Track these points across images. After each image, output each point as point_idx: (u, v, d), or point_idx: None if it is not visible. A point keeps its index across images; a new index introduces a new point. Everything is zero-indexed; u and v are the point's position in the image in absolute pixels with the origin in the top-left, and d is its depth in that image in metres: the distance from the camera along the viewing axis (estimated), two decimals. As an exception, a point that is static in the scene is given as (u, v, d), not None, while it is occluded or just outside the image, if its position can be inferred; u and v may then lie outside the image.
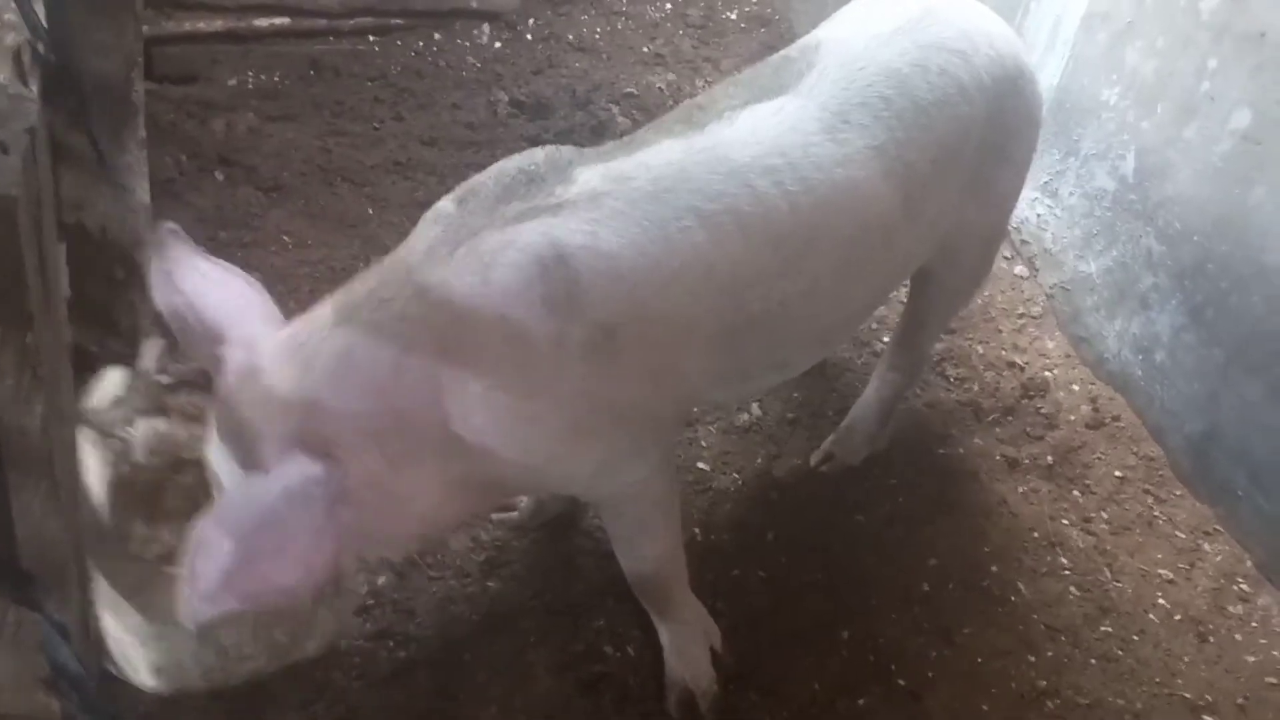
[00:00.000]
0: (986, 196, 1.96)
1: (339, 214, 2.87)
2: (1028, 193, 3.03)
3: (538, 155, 1.61)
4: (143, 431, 1.78)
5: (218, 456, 1.46)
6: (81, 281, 2.20)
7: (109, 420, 1.77)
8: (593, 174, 1.55)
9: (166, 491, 1.80)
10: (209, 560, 1.24)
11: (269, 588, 1.29)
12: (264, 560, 1.27)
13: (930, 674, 2.05)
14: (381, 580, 2.03)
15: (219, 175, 2.92)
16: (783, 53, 1.86)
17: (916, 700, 2.01)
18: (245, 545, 1.25)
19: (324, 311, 1.47)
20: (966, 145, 1.83)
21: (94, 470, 1.72)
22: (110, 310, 1.98)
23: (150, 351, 1.87)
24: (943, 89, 1.76)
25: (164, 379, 1.85)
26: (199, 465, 1.63)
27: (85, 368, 2.26)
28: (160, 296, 1.46)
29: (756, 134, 1.63)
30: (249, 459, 1.39)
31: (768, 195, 1.59)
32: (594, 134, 3.28)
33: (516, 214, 1.49)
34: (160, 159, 2.83)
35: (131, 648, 1.61)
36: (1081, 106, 2.81)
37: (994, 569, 2.28)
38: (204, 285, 1.47)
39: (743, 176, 1.58)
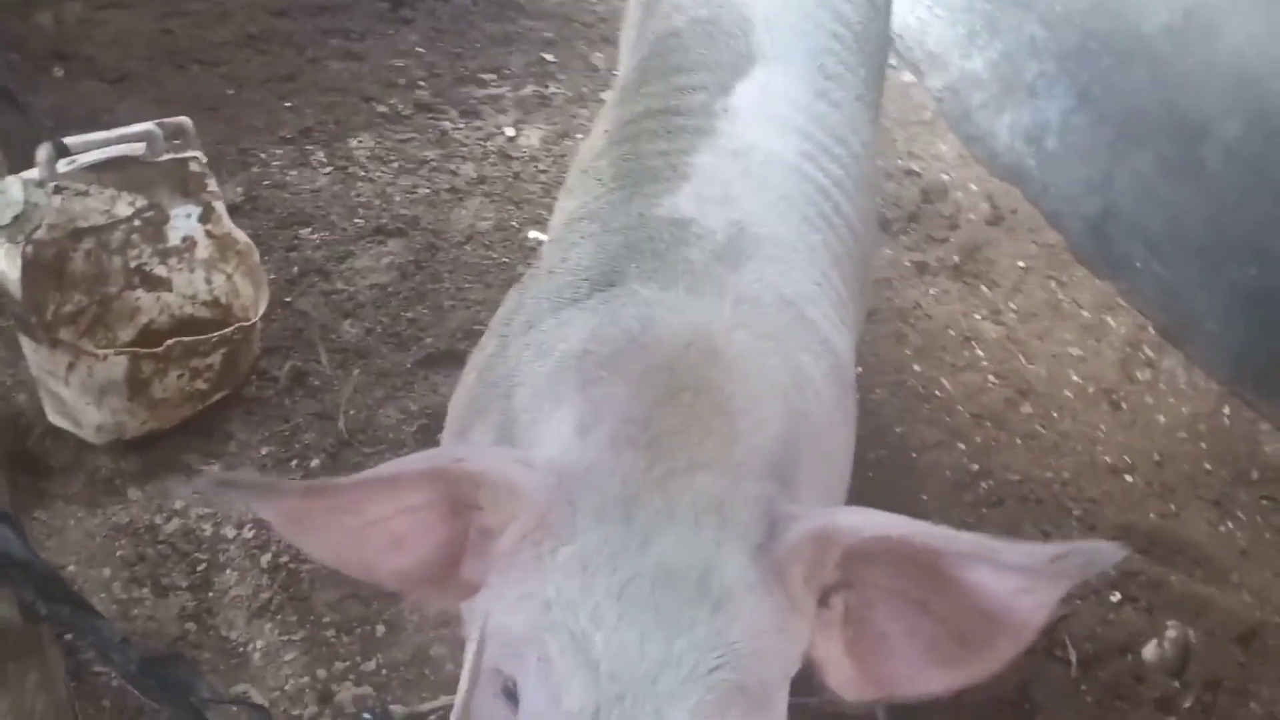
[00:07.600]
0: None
1: (195, 97, 2.67)
2: (906, -3, 3.00)
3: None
4: (41, 207, 1.83)
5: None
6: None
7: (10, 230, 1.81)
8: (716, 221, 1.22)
9: (71, 260, 1.93)
10: None
11: None
12: None
13: (870, 474, 2.10)
14: (315, 463, 1.96)
15: (58, 71, 2.67)
16: (688, 19, 1.54)
17: (859, 499, 2.06)
18: None
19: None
20: (882, 54, 1.75)
21: (4, 262, 1.80)
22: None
23: (40, 156, 1.82)
24: (860, 5, 1.63)
25: (55, 181, 1.86)
26: (95, 232, 1.93)
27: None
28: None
29: (770, 122, 1.38)
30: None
31: (822, 183, 1.40)
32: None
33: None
34: (-14, 59, 2.57)
35: (79, 412, 1.88)
36: (953, -102, 2.76)
37: (916, 368, 2.33)
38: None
39: (801, 170, 1.36)
